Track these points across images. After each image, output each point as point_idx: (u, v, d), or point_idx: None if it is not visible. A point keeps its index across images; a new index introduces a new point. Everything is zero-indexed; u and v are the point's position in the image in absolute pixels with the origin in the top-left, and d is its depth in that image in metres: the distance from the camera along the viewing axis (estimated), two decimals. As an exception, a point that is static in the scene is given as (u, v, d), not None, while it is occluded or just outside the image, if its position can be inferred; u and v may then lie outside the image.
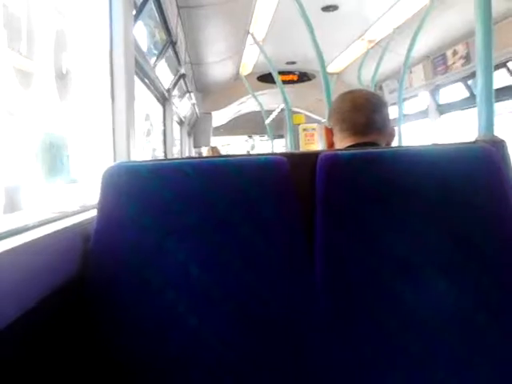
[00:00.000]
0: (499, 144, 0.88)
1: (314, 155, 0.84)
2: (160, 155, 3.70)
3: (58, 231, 0.76)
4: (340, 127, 1.12)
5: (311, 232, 0.81)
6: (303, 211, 0.81)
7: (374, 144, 1.06)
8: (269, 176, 0.81)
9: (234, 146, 11.85)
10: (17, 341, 0.60)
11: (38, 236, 0.70)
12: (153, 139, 3.62)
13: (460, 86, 4.09)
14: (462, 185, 0.80)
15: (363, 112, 1.08)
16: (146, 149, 3.41)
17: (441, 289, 0.77)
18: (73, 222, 0.83)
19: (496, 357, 0.75)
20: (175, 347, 0.75)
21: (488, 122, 1.07)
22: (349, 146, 1.07)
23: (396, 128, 1.40)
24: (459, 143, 0.89)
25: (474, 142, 0.90)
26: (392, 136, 1.13)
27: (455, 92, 4.28)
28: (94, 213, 0.83)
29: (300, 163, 0.85)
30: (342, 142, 1.11)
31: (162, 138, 3.73)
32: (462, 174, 0.81)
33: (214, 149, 4.15)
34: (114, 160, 1.32)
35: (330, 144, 1.15)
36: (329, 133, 1.15)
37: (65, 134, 1.24)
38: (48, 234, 0.73)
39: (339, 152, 0.83)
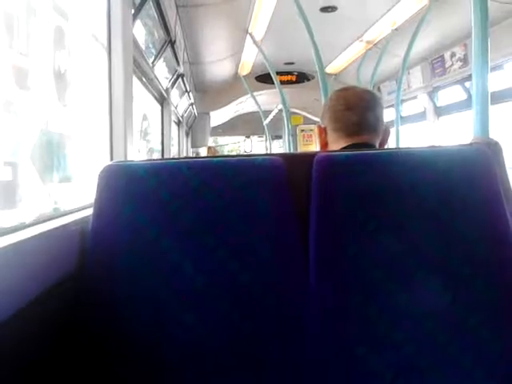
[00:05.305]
0: (494, 146, 0.89)
1: (310, 156, 0.84)
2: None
3: (55, 229, 0.76)
4: (333, 127, 1.09)
5: (306, 232, 0.81)
6: (299, 212, 0.82)
7: (368, 144, 1.04)
8: (265, 176, 0.81)
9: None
10: (13, 337, 0.61)
11: (36, 234, 0.70)
12: (151, 140, 3.61)
13: (458, 88, 4.11)
14: (457, 186, 0.81)
15: (356, 111, 1.06)
16: (143, 151, 3.38)
17: (434, 289, 0.77)
18: (70, 220, 0.83)
19: (488, 358, 0.76)
20: (171, 345, 0.75)
21: (483, 123, 1.08)
22: (343, 148, 1.05)
23: (393, 129, 1.40)
24: (454, 145, 0.90)
25: (469, 144, 0.90)
26: (387, 133, 1.11)
27: (453, 94, 4.29)
28: (90, 211, 0.83)
29: (296, 164, 0.85)
30: (336, 143, 1.09)
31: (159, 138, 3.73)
32: (457, 176, 0.82)
33: (210, 148, 4.14)
34: (111, 159, 1.32)
35: (324, 143, 1.12)
36: (322, 132, 1.12)
37: (62, 133, 1.24)
38: (45, 232, 0.73)
39: (335, 153, 0.84)
